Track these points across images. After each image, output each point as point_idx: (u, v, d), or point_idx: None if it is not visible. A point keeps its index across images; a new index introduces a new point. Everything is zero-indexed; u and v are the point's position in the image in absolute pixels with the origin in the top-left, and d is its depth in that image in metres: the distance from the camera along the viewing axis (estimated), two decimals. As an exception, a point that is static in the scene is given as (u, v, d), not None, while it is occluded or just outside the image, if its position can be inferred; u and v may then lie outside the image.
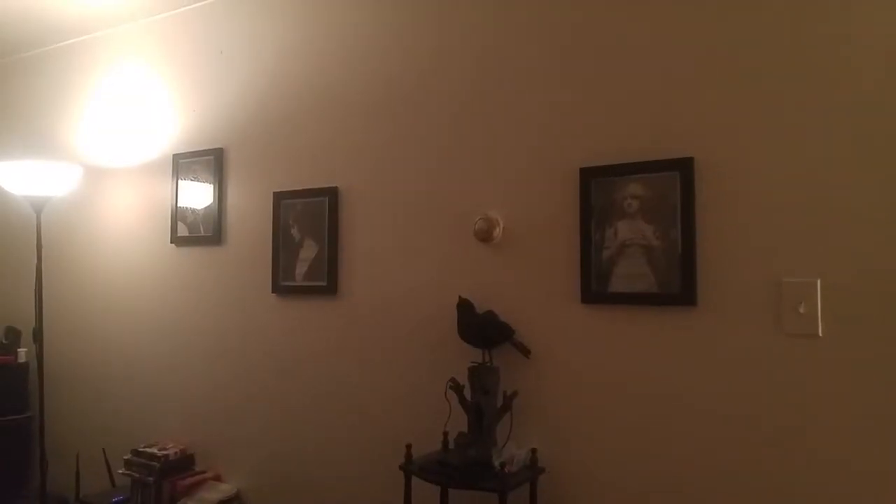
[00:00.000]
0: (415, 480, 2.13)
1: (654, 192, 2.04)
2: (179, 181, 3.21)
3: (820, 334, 1.80)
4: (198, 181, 3.14)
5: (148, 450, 2.98)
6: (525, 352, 2.22)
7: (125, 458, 3.01)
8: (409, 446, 2.17)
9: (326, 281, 2.73)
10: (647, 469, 2.04)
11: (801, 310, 1.81)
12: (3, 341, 3.76)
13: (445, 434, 2.26)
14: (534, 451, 2.13)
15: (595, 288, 2.13)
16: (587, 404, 2.15)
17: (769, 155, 1.89)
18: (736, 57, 1.95)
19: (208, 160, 3.11)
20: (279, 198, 2.87)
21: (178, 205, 3.21)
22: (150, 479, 2.89)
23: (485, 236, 2.31)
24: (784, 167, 1.87)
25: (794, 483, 1.83)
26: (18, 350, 3.72)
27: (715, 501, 1.93)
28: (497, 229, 2.31)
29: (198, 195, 3.14)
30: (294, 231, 2.84)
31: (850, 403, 1.76)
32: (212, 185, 3.10)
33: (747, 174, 1.92)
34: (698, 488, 1.96)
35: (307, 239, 2.80)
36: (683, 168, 1.99)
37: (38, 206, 3.20)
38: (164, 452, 2.95)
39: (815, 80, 1.85)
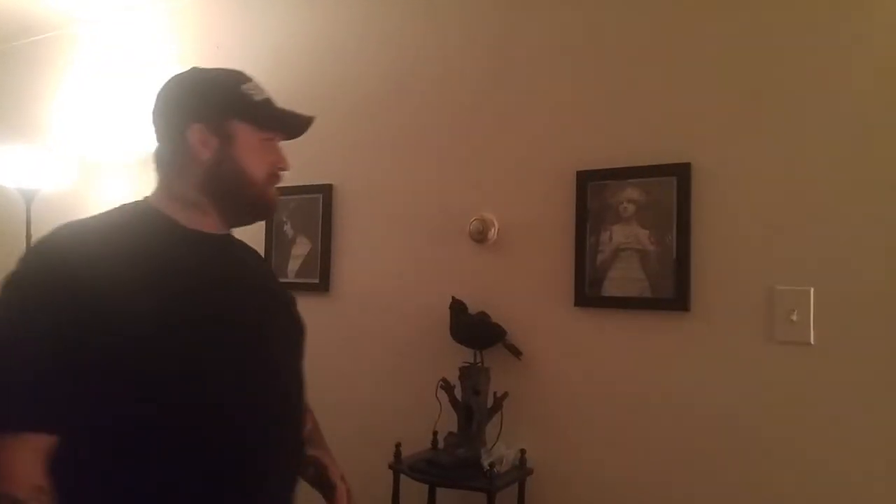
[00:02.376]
0: (403, 479, 2.13)
1: (651, 197, 2.04)
2: (172, 174, 3.18)
3: (812, 342, 1.81)
4: (191, 175, 3.12)
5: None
6: (516, 353, 2.22)
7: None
8: (398, 445, 2.17)
9: (319, 278, 2.71)
10: (637, 472, 2.05)
11: (794, 318, 1.82)
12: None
13: (435, 433, 2.25)
14: (523, 451, 2.13)
15: (588, 291, 2.13)
16: (577, 406, 2.15)
17: (766, 162, 1.90)
18: (736, 65, 1.96)
19: (202, 154, 3.09)
20: (272, 193, 2.85)
21: (171, 198, 3.19)
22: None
23: (480, 237, 2.31)
24: (781, 175, 1.88)
25: (783, 490, 1.84)
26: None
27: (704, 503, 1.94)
28: (492, 230, 2.31)
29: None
30: (287, 228, 2.82)
31: (842, 412, 1.77)
32: (205, 179, 3.08)
33: (744, 181, 1.93)
34: (687, 493, 1.96)
35: (300, 236, 2.79)
36: (680, 173, 1.99)
37: (29, 197, 3.18)
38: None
39: (812, 89, 1.86)
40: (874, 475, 1.74)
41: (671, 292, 2.00)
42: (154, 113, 1.28)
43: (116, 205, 1.23)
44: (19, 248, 3.25)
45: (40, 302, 1.02)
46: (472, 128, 2.41)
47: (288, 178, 2.76)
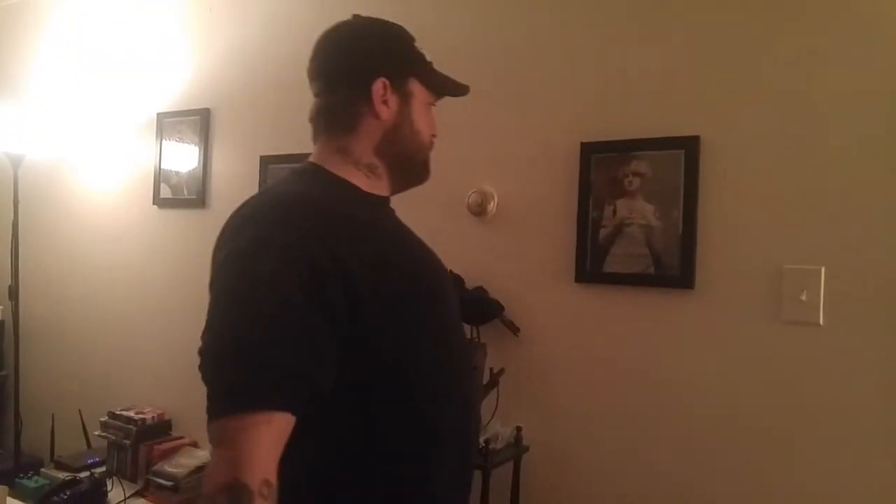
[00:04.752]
0: (398, 456, 2.10)
1: (657, 171, 1.98)
2: (164, 141, 3.11)
3: (821, 323, 1.76)
4: (183, 142, 3.05)
5: (125, 413, 2.93)
6: (514, 329, 2.17)
7: (101, 420, 2.96)
8: (393, 421, 2.13)
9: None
10: (634, 452, 2.01)
11: (803, 297, 1.77)
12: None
13: (430, 410, 2.22)
14: (519, 429, 2.10)
15: (590, 267, 2.08)
16: (575, 385, 2.11)
17: (778, 137, 1.83)
18: (748, 35, 1.89)
19: (194, 120, 3.01)
20: (266, 162, 2.78)
21: (162, 166, 3.12)
22: (127, 442, 2.84)
23: (478, 210, 2.26)
24: (792, 150, 1.82)
25: (786, 471, 1.80)
26: (-7, 307, 3.64)
27: (703, 488, 1.91)
28: (491, 203, 2.25)
29: (182, 156, 3.05)
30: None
31: (850, 393, 1.73)
32: (197, 147, 3.00)
33: (755, 156, 1.86)
34: (687, 473, 1.93)
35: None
36: (689, 147, 1.92)
37: (16, 162, 3.10)
38: (142, 416, 2.90)
39: (826, 65, 1.79)
40: (881, 458, 1.70)
41: (676, 269, 1.94)
42: (325, 63, 1.17)
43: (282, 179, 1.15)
44: (7, 211, 3.20)
45: (311, 269, 0.92)
46: (471, 96, 2.31)
47: (281, 146, 2.72)
